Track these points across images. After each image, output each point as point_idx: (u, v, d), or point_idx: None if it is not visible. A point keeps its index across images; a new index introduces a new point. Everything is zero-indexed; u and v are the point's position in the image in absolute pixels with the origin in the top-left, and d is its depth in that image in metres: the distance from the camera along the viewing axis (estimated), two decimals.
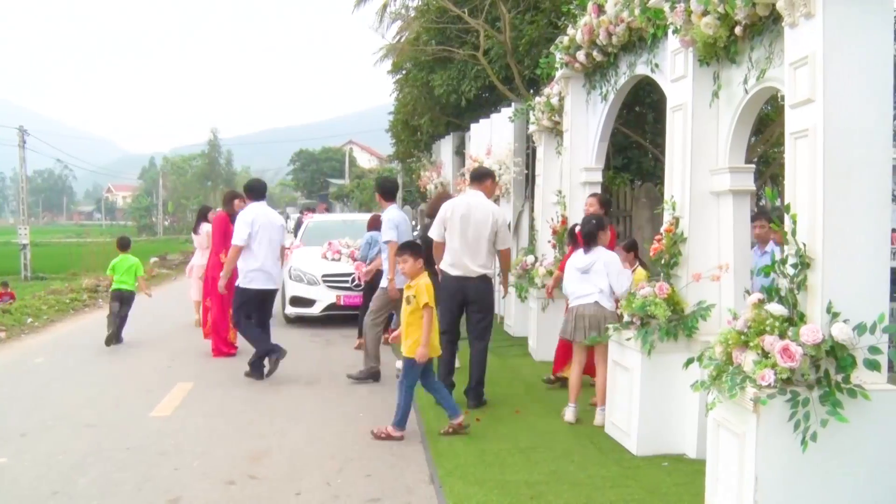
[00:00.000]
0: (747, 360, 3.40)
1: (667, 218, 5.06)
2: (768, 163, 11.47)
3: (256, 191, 7.49)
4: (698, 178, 4.86)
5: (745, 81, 4.44)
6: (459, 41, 13.31)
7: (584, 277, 5.60)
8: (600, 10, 6.16)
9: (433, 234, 6.18)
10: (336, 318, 10.29)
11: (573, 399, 5.68)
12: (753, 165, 5.61)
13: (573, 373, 5.72)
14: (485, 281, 6.04)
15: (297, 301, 10.29)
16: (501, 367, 7.55)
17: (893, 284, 4.36)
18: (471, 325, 6.13)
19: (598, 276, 5.55)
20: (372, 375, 6.97)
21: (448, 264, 6.03)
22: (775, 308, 3.46)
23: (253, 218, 7.14)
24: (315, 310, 10.30)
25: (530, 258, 8.44)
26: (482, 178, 6.31)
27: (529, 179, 10.27)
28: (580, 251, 5.72)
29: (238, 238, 7.09)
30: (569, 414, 5.66)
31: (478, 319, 6.08)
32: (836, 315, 3.33)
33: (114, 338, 8.77)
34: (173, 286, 15.99)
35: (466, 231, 5.94)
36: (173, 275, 19.39)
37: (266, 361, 7.02)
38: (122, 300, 8.97)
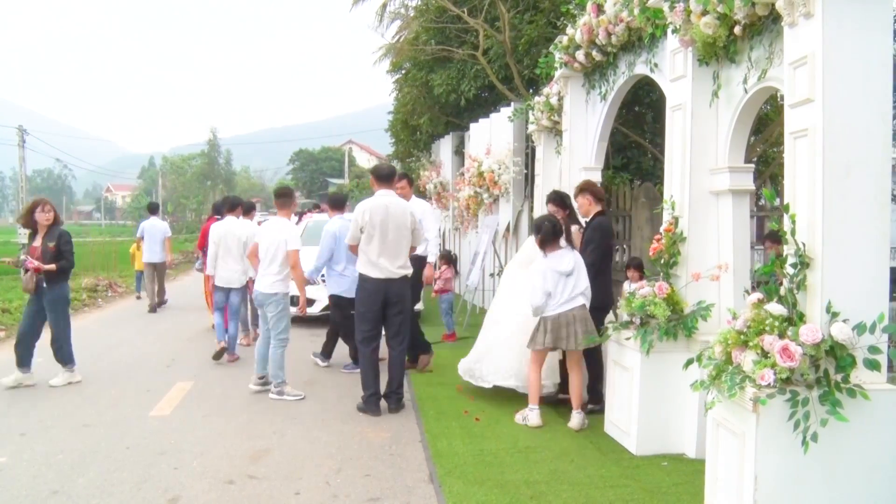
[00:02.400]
0: (747, 359, 3.40)
1: (666, 217, 5.07)
2: (768, 162, 11.48)
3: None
4: (698, 178, 4.87)
5: (745, 81, 4.44)
6: (459, 41, 13.31)
7: (569, 280, 5.38)
8: (599, 9, 6.16)
9: (348, 238, 6.03)
10: None
11: (577, 406, 5.53)
12: (753, 165, 5.61)
13: (574, 382, 5.53)
14: (405, 281, 5.98)
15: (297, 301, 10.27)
16: None
17: (893, 284, 4.37)
18: (390, 327, 6.02)
19: (580, 277, 5.43)
20: None
21: (368, 267, 5.85)
22: (775, 308, 3.46)
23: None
24: (314, 310, 10.29)
25: None
26: (390, 177, 6.07)
27: (529, 179, 10.27)
28: (559, 252, 5.43)
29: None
30: (574, 421, 5.47)
31: (399, 322, 5.98)
32: (835, 315, 3.34)
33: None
34: (173, 285, 15.97)
35: (387, 233, 5.79)
36: (173, 274, 19.37)
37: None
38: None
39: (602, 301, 5.76)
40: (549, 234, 5.47)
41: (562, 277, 5.39)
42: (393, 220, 5.81)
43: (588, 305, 5.44)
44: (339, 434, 5.40)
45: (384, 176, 6.03)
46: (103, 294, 14.26)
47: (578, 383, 5.49)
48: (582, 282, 5.43)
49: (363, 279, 5.92)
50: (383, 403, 5.98)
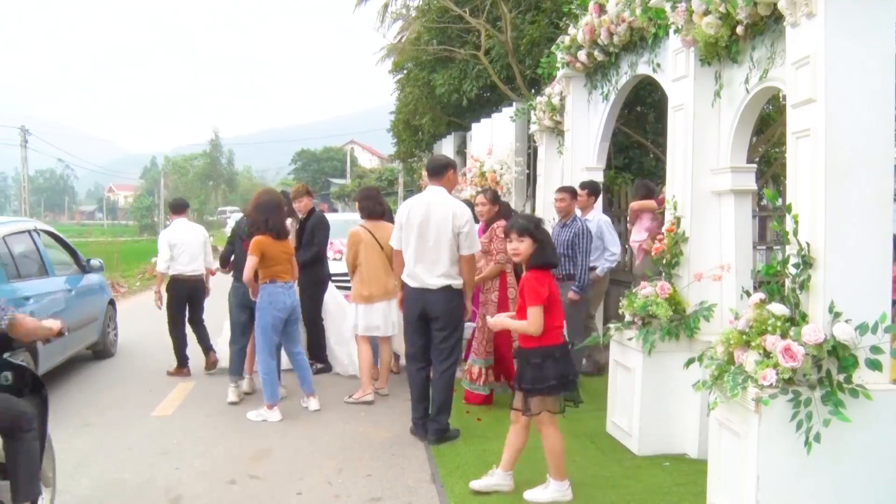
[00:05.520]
0: (749, 359, 3.40)
1: (668, 218, 5.06)
2: (770, 163, 11.45)
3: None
4: (700, 178, 4.86)
5: (747, 81, 4.43)
6: (461, 41, 13.31)
7: None
8: (602, 9, 6.16)
9: (393, 241, 5.36)
10: None
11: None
12: (755, 165, 5.60)
13: None
14: (448, 293, 5.13)
15: None
16: None
17: None
18: (433, 345, 5.23)
19: None
20: None
21: (406, 275, 5.23)
22: (777, 308, 3.45)
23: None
24: None
25: None
26: (442, 169, 5.27)
27: (531, 179, 10.27)
28: None
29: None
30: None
31: (440, 338, 5.17)
32: (837, 315, 3.33)
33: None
34: None
35: (426, 236, 5.10)
36: None
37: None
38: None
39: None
40: None
41: None
42: (434, 222, 5.10)
43: None
44: (341, 434, 5.40)
45: (433, 169, 5.34)
46: None
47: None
48: None
49: (405, 290, 5.30)
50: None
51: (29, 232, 6.82)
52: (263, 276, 5.85)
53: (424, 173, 6.79)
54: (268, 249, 5.81)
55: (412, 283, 5.20)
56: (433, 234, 5.11)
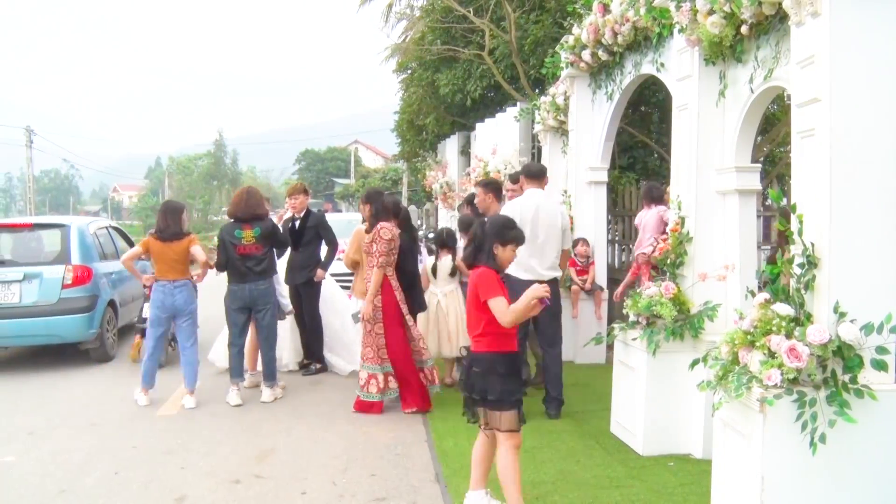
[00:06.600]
0: (753, 360, 3.39)
1: (672, 217, 5.06)
2: (774, 162, 11.43)
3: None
4: (704, 178, 4.85)
5: (752, 81, 4.42)
6: (465, 41, 13.32)
7: None
8: (606, 9, 6.16)
9: None
10: None
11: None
12: (759, 165, 5.59)
13: None
14: (555, 284, 5.63)
15: None
16: None
17: None
18: (542, 333, 5.78)
19: None
20: None
21: (516, 268, 5.32)
22: (782, 308, 3.44)
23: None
24: None
25: None
26: (541, 175, 5.85)
27: None
28: None
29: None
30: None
31: (547, 324, 5.68)
32: (843, 315, 3.32)
33: None
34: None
35: (536, 233, 5.54)
36: None
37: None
38: None
39: None
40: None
41: None
42: (543, 221, 5.60)
43: None
44: (345, 434, 5.41)
45: (533, 174, 5.84)
46: None
47: None
48: None
49: (511, 281, 5.47)
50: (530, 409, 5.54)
51: (107, 228, 9.51)
52: (155, 275, 6.35)
53: (510, 180, 6.94)
54: (151, 249, 6.24)
55: (524, 276, 5.47)
56: (542, 231, 5.62)
